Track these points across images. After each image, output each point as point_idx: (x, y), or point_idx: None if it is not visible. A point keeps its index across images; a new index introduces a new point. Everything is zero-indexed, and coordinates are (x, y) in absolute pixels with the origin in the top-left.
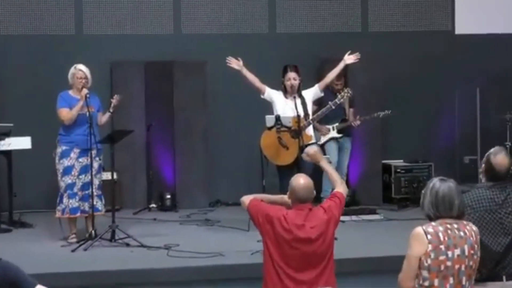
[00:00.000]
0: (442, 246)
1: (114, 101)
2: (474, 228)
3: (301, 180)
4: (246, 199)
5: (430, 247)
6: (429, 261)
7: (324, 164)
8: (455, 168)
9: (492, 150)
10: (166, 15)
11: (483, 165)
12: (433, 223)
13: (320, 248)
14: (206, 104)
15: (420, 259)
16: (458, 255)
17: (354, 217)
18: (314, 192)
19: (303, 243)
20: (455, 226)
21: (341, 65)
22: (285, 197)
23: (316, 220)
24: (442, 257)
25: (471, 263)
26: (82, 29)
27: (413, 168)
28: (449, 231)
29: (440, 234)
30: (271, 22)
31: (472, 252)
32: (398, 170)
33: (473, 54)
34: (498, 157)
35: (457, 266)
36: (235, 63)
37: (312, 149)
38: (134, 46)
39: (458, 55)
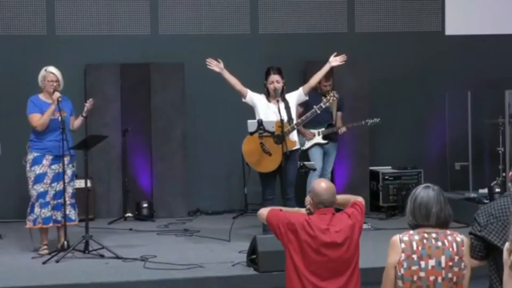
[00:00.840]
0: (414, 256)
1: (88, 105)
2: (459, 238)
3: (322, 184)
4: (264, 210)
5: (403, 256)
6: (402, 270)
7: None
8: (446, 175)
9: None
10: (142, 15)
11: (510, 173)
12: (411, 232)
13: (346, 254)
14: (185, 108)
15: (395, 268)
16: (432, 266)
17: None
18: (336, 196)
19: (329, 248)
20: (433, 235)
21: (326, 68)
22: (302, 210)
23: (341, 224)
24: (414, 267)
25: (450, 275)
26: (54, 29)
27: (402, 175)
28: (424, 241)
29: (414, 243)
30: (253, 22)
31: (450, 264)
32: (386, 177)
33: (464, 56)
34: None
35: (432, 278)
36: (216, 65)
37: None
38: (109, 47)
39: (448, 57)
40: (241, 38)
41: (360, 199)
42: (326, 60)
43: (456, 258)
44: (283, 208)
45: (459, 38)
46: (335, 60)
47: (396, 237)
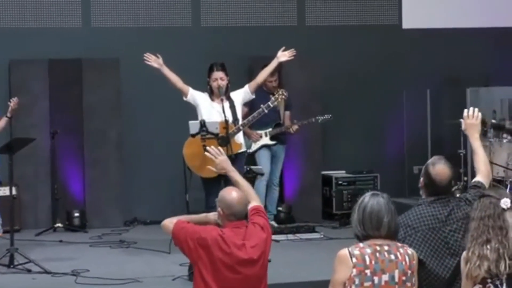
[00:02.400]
0: (368, 271)
1: (12, 104)
2: (410, 251)
3: (234, 194)
4: (169, 222)
5: (354, 271)
6: (353, 287)
7: (234, 174)
8: (404, 179)
9: (429, 160)
10: (73, 6)
11: (421, 179)
12: (360, 244)
13: (261, 270)
14: (120, 108)
15: (344, 285)
16: (386, 281)
17: (290, 236)
18: (248, 206)
19: (245, 265)
20: (386, 248)
21: (274, 64)
22: (210, 215)
23: (256, 238)
24: (367, 283)
25: None
26: None
27: (357, 180)
28: (377, 254)
29: (367, 257)
30: (194, 14)
31: (404, 278)
32: (340, 182)
33: (422, 52)
34: (437, 167)
35: None
36: (154, 61)
37: (219, 159)
38: (36, 41)
39: (406, 53)
40: (181, 31)
41: (256, 203)
42: (274, 56)
43: (409, 272)
44: (189, 216)
45: (417, 32)
46: (283, 55)
47: (345, 251)
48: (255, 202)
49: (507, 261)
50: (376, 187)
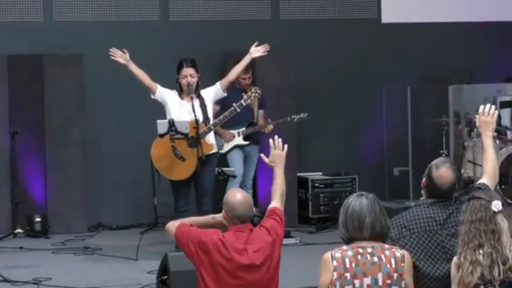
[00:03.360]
0: (348, 274)
1: None
2: (399, 253)
3: (238, 195)
4: (172, 226)
5: (335, 274)
6: None
7: (279, 171)
8: (384, 181)
9: (434, 161)
10: None
11: (423, 179)
12: (344, 247)
13: (266, 276)
14: (84, 106)
15: None
16: (368, 285)
17: None
18: (254, 209)
19: (247, 270)
20: (369, 250)
21: (246, 59)
22: (217, 217)
23: (260, 242)
24: (348, 287)
25: None
26: None
27: (334, 182)
28: (359, 256)
29: (347, 260)
30: (162, 7)
31: (388, 282)
32: (316, 184)
33: (402, 47)
34: (440, 170)
35: None
36: (120, 56)
37: (274, 153)
38: None
39: (385, 48)
40: (149, 26)
41: (277, 205)
42: (247, 51)
43: (395, 275)
44: (196, 218)
45: (397, 26)
46: (256, 51)
47: (328, 254)
48: (276, 203)
49: (501, 267)
50: (354, 189)
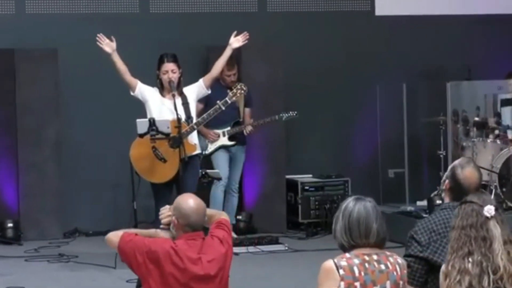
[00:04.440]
0: (357, 284)
1: None
2: (400, 260)
3: (190, 201)
4: (114, 236)
5: (342, 284)
6: None
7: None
8: (378, 184)
9: (457, 162)
10: None
11: (446, 181)
12: (347, 255)
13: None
14: (59, 104)
15: None
16: None
17: (251, 248)
18: (206, 217)
19: (201, 281)
20: (375, 257)
21: (227, 52)
22: (160, 232)
23: (213, 252)
24: None
25: None
26: None
27: (325, 185)
28: (366, 265)
29: (356, 268)
30: None
31: None
32: (306, 187)
33: (398, 41)
34: (466, 170)
35: None
36: (107, 44)
37: None
38: None
39: (379, 43)
40: (128, 18)
41: (225, 216)
42: None
43: (401, 283)
44: (137, 230)
45: (392, 19)
46: (236, 41)
47: (330, 263)
48: (223, 216)
49: (491, 276)
50: (347, 192)
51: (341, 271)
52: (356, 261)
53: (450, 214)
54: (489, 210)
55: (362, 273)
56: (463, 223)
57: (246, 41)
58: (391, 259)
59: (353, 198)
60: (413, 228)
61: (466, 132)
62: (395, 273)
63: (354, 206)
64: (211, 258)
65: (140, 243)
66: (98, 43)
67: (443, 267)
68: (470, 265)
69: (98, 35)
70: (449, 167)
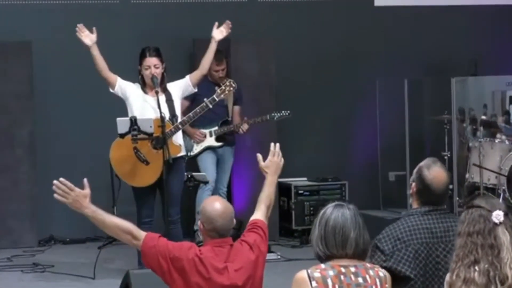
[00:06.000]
0: None
1: None
2: (382, 273)
3: (217, 205)
4: (134, 234)
5: None
6: None
7: (274, 179)
8: (377, 187)
9: (422, 163)
10: None
11: (412, 184)
12: (322, 266)
13: None
14: (33, 102)
15: None
16: None
17: None
18: (234, 221)
19: None
20: (352, 270)
21: (212, 47)
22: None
23: (241, 260)
24: None
25: None
26: None
27: (321, 189)
28: (342, 277)
29: (329, 281)
30: None
31: None
32: (301, 191)
33: (399, 34)
34: (433, 170)
35: None
36: (87, 36)
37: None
38: None
39: (379, 35)
40: (107, 9)
41: (261, 217)
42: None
43: None
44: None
45: (393, 10)
46: (219, 32)
47: (303, 274)
48: (260, 215)
49: (499, 286)
50: (344, 197)
51: (314, 283)
52: (331, 272)
53: (418, 221)
54: (497, 215)
55: (336, 286)
56: (469, 229)
57: (230, 31)
58: (371, 272)
59: (332, 204)
60: (377, 236)
61: (473, 131)
62: (374, 287)
63: (331, 214)
64: (239, 267)
65: (164, 247)
66: (77, 34)
67: (447, 277)
68: (476, 274)
69: (78, 25)
70: (415, 170)
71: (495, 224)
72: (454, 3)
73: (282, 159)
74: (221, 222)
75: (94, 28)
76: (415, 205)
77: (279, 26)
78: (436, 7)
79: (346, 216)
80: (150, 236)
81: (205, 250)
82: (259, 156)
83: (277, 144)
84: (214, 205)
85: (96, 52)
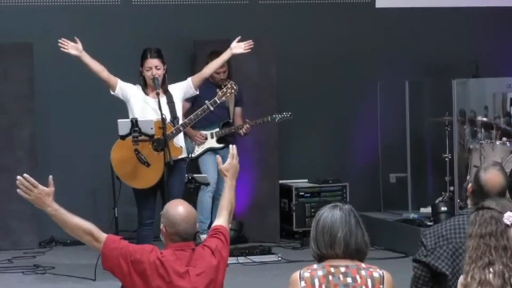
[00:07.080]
0: None
1: None
2: (377, 273)
3: (180, 208)
4: (94, 237)
5: None
6: None
7: (233, 182)
8: (378, 189)
9: (483, 164)
10: None
11: (469, 184)
12: (314, 266)
13: None
14: (34, 103)
15: None
16: None
17: (241, 259)
18: (198, 225)
19: None
20: (342, 270)
21: (226, 56)
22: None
23: (203, 264)
24: None
25: None
26: None
27: (322, 191)
28: (330, 277)
29: (316, 281)
30: None
31: None
32: (301, 193)
33: (400, 35)
34: (489, 172)
35: None
36: (72, 47)
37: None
38: None
39: (380, 36)
40: (109, 10)
41: (223, 223)
42: (220, 40)
43: None
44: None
45: (394, 12)
46: (238, 47)
47: (297, 274)
48: (222, 220)
49: None
50: (345, 199)
51: (302, 283)
52: (320, 272)
53: (464, 220)
54: (509, 217)
55: (323, 286)
56: (481, 231)
57: (249, 50)
58: (363, 272)
59: (329, 206)
60: (424, 232)
61: (473, 133)
62: (364, 287)
63: (322, 214)
64: (200, 271)
65: (125, 249)
66: (62, 49)
67: (461, 279)
68: (491, 276)
69: (59, 40)
70: (475, 171)
71: (507, 225)
72: (455, 5)
73: (238, 165)
74: (184, 226)
75: (76, 38)
76: (469, 204)
77: (280, 28)
78: (438, 9)
79: (335, 216)
80: (111, 238)
81: (167, 254)
82: (219, 158)
83: (234, 146)
84: (177, 209)
85: (87, 59)
